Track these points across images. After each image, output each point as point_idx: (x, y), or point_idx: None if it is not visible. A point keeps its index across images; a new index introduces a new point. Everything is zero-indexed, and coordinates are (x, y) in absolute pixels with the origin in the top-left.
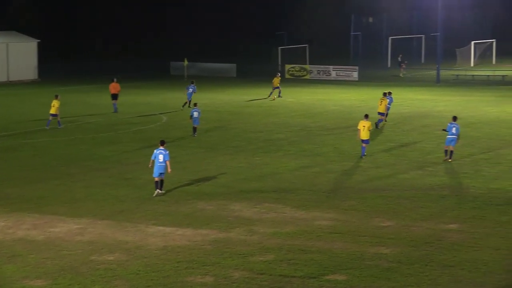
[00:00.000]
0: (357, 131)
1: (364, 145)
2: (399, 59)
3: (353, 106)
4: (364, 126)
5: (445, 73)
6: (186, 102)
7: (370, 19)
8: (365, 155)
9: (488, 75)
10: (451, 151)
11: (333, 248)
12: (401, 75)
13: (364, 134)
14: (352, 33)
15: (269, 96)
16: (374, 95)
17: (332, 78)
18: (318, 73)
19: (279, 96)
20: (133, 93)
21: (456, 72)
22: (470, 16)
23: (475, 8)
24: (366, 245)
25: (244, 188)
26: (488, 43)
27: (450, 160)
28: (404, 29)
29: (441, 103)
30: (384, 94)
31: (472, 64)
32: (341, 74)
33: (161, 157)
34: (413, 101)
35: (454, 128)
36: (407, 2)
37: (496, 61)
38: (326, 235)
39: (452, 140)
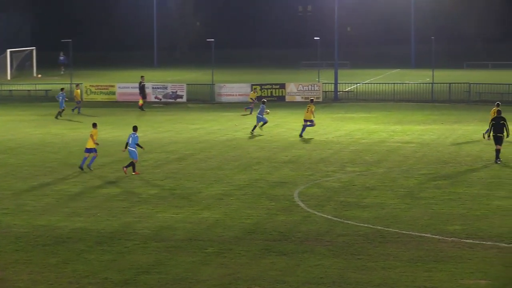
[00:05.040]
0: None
1: (87, 154)
2: None
3: None
4: (91, 134)
5: None
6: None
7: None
8: (91, 167)
9: (30, 90)
10: (132, 163)
11: None
12: None
13: (89, 143)
14: None
15: (76, 111)
16: None
17: None
18: None
19: (78, 112)
20: None
21: None
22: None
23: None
24: None
25: None
26: (27, 51)
27: (134, 173)
28: None
29: None
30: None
31: (9, 77)
32: None
33: None
34: None
35: (130, 139)
36: None
37: (37, 72)
38: None
39: (132, 152)
